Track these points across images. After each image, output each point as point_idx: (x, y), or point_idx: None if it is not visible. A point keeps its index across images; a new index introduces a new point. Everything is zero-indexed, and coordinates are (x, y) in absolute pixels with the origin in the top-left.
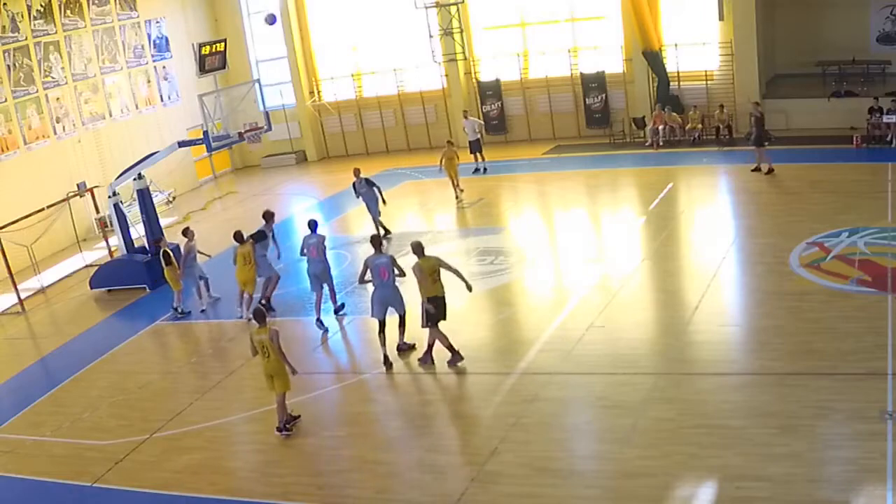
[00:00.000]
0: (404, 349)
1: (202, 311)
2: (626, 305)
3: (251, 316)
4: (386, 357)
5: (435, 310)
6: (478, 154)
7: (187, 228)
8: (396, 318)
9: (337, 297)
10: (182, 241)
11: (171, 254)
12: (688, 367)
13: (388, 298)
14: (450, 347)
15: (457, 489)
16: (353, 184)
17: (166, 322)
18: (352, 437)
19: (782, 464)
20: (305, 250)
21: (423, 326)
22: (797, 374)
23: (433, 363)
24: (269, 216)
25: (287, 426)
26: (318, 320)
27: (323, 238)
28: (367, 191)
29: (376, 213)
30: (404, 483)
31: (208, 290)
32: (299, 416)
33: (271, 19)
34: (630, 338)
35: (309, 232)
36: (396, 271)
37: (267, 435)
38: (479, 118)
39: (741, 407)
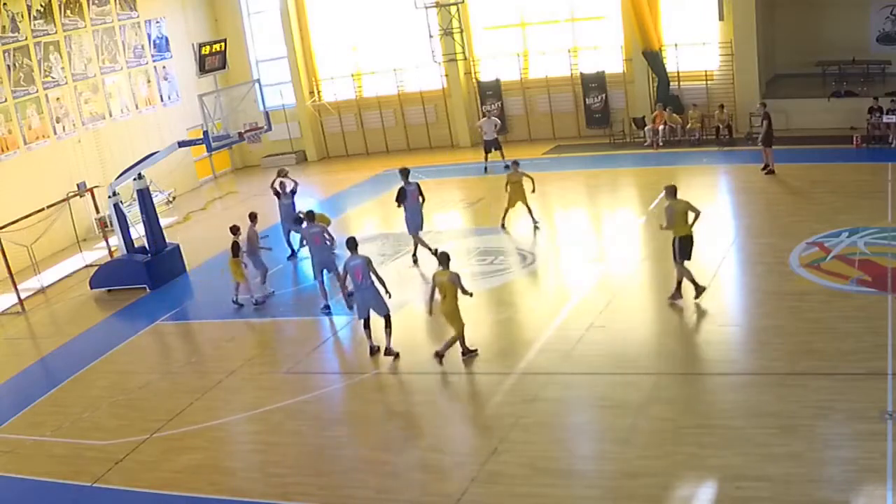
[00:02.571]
0: (391, 354)
1: (262, 297)
2: (626, 305)
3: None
4: (371, 347)
5: (683, 248)
6: (493, 152)
7: (253, 213)
8: (381, 320)
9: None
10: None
11: (240, 245)
12: (688, 367)
13: (366, 300)
14: (693, 281)
15: (457, 489)
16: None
17: (166, 322)
18: (352, 437)
19: (782, 464)
20: (307, 240)
21: (675, 262)
22: (797, 374)
23: (681, 298)
24: (406, 172)
25: (465, 353)
26: (326, 306)
27: (324, 229)
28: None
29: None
30: (405, 483)
31: (264, 282)
32: (475, 351)
33: None
34: (630, 338)
35: (306, 223)
36: (372, 274)
37: (267, 435)
38: (480, 118)
39: (741, 407)
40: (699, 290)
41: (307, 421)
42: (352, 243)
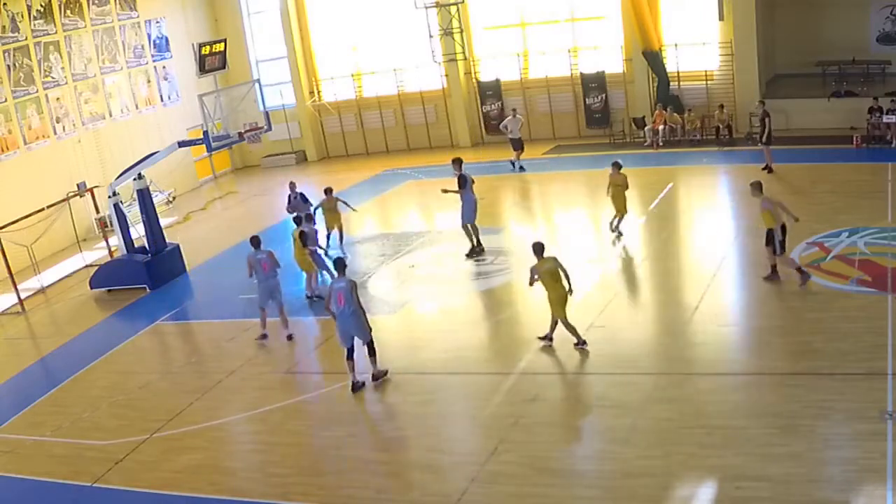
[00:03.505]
0: (379, 377)
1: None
2: (626, 305)
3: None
4: (354, 383)
5: (785, 235)
6: (518, 151)
7: (308, 214)
8: (364, 347)
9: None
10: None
11: (307, 235)
12: (688, 367)
13: (348, 328)
14: (774, 267)
15: (457, 489)
16: (289, 197)
17: (166, 322)
18: (352, 437)
19: (782, 464)
20: (254, 267)
21: (776, 254)
22: (797, 374)
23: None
24: (458, 162)
25: (550, 337)
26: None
27: (271, 253)
28: (300, 205)
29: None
30: (404, 483)
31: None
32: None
33: None
34: (630, 338)
35: (253, 249)
36: (355, 299)
37: (267, 435)
38: (480, 117)
39: (741, 407)
40: (773, 275)
41: (307, 421)
42: (339, 264)
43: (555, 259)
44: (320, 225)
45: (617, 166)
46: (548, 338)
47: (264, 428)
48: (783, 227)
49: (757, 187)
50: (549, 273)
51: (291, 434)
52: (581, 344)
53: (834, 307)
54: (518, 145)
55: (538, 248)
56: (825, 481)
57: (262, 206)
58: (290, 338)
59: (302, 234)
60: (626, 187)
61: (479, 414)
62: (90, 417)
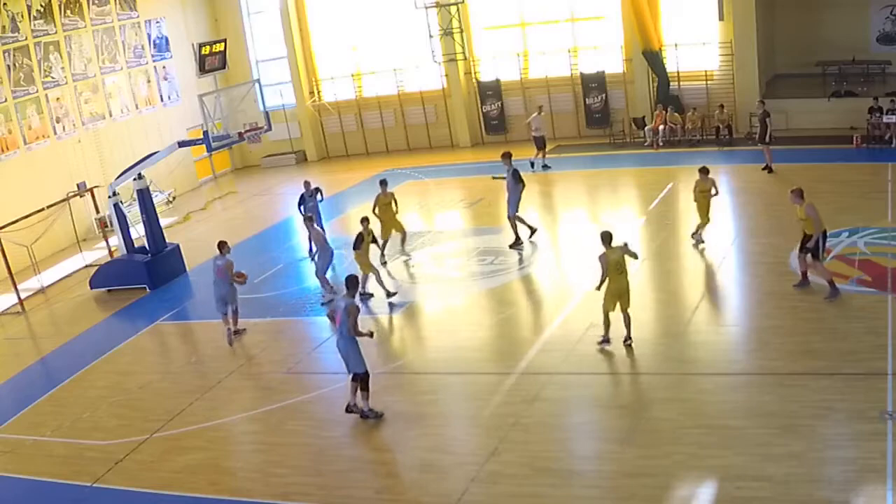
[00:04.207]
0: (369, 417)
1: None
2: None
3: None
4: (348, 406)
5: (825, 241)
6: (542, 150)
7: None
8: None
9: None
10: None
11: (363, 237)
12: (688, 367)
13: (342, 351)
14: (830, 282)
15: (457, 489)
16: (302, 196)
17: (166, 322)
18: (352, 437)
19: (782, 464)
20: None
21: (816, 259)
22: (797, 374)
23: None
24: (507, 156)
25: (629, 336)
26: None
27: (229, 262)
28: (314, 204)
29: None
30: (404, 483)
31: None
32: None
33: None
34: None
35: (218, 253)
36: (350, 324)
37: (267, 435)
38: (480, 117)
39: (741, 407)
40: (835, 291)
41: (307, 421)
42: (350, 283)
43: (621, 248)
44: (375, 227)
45: (705, 171)
46: (628, 338)
47: (264, 428)
48: (824, 233)
49: (798, 194)
50: (617, 263)
51: (291, 434)
52: (605, 342)
53: (834, 307)
54: (541, 143)
55: (607, 238)
56: (825, 481)
57: (262, 206)
58: (237, 332)
59: (359, 236)
60: (716, 193)
61: (479, 414)
62: (90, 417)
